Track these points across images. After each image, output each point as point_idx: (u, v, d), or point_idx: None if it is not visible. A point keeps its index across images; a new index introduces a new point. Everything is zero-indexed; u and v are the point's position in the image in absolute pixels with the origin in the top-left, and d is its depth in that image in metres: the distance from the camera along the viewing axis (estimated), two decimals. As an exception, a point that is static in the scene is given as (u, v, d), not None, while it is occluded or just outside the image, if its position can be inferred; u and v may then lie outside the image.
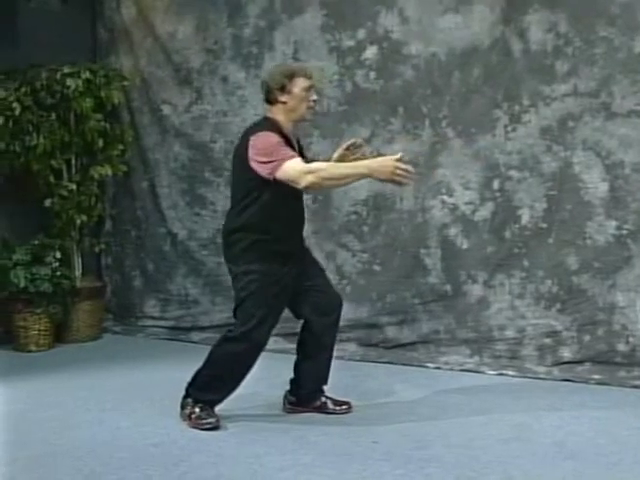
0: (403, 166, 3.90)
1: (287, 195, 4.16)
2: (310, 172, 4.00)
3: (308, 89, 4.27)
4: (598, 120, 5.23)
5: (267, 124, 4.26)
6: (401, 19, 5.75)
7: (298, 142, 4.46)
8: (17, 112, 5.94)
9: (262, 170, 4.10)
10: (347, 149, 4.54)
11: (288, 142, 4.22)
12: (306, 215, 4.50)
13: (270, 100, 4.31)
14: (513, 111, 5.46)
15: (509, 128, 5.48)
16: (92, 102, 6.17)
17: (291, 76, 4.26)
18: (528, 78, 5.40)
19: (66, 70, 6.10)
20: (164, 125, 6.69)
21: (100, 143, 6.36)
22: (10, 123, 5.96)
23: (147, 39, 6.73)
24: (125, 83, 6.52)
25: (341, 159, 4.47)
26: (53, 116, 6.14)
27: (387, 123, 5.85)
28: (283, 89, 4.26)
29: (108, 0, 6.89)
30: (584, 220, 5.29)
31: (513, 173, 5.49)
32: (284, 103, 4.27)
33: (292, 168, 4.03)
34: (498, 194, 5.55)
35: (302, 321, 4.57)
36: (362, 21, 5.88)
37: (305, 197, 4.48)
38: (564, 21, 5.27)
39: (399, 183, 4.02)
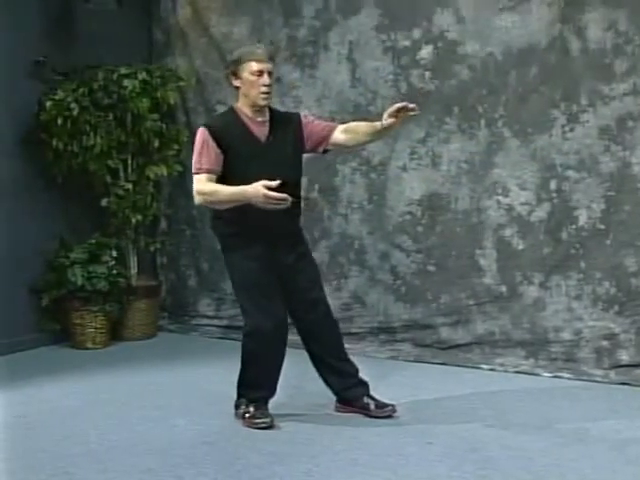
0: (271, 195, 3.98)
1: (237, 181, 4.16)
2: (201, 194, 4.19)
3: (258, 73, 4.22)
4: (659, 120, 5.16)
5: (221, 114, 4.51)
6: (457, 18, 5.71)
7: (286, 123, 4.39)
8: (75, 112, 6.00)
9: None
10: (396, 115, 4.20)
11: (245, 130, 4.26)
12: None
13: (232, 86, 4.38)
14: (571, 111, 5.39)
15: (567, 128, 5.41)
16: (148, 102, 6.21)
17: (240, 61, 4.26)
18: (586, 77, 5.33)
19: (123, 71, 6.16)
20: (219, 125, 6.71)
21: (156, 143, 6.40)
22: (68, 123, 6.03)
23: (202, 40, 6.76)
24: (181, 84, 6.55)
25: (391, 125, 4.23)
26: (110, 116, 6.19)
27: (442, 123, 5.82)
28: (235, 74, 4.29)
29: (164, 1, 6.94)
30: (643, 221, 5.22)
31: (570, 173, 5.42)
32: (238, 88, 4.31)
33: (196, 182, 4.22)
34: (555, 195, 5.48)
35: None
36: (417, 21, 5.85)
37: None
38: (624, 19, 5.19)
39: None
